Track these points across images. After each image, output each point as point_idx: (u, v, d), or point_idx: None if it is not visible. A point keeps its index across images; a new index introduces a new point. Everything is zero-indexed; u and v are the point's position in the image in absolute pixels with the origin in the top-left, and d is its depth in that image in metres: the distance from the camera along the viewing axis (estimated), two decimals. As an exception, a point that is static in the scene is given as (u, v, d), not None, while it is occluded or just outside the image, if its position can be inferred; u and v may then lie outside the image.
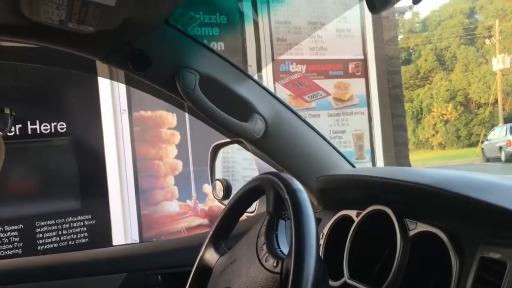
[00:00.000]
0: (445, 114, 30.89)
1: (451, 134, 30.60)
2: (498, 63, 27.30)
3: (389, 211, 0.87)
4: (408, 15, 35.40)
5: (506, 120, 25.14)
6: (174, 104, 1.48)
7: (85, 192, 2.82)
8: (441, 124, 31.03)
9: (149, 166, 3.03)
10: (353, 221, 0.97)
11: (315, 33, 3.59)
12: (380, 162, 3.90)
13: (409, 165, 4.60)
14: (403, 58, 32.71)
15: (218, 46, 3.19)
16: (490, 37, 30.67)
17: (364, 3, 0.57)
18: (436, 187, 0.80)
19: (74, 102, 2.83)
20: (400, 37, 32.46)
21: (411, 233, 0.82)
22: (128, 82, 1.90)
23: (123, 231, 2.89)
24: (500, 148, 17.98)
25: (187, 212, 3.11)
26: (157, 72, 1.02)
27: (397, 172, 0.99)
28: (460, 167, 17.94)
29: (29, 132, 2.66)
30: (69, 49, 0.97)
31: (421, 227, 0.81)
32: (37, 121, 2.68)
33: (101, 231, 2.80)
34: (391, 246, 0.85)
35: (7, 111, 0.55)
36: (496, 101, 28.48)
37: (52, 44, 0.95)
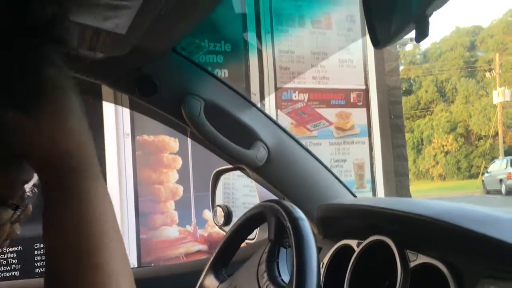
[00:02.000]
0: (446, 145, 30.94)
1: (451, 165, 30.58)
2: (498, 96, 27.49)
3: (390, 241, 0.87)
4: (409, 47, 35.82)
5: (507, 153, 25.16)
6: (176, 129, 1.50)
7: (85, 215, 2.80)
8: (442, 155, 31.04)
9: (150, 190, 3.02)
10: (354, 251, 0.97)
11: (317, 63, 3.63)
12: (380, 191, 3.89)
13: (410, 196, 4.59)
14: (404, 88, 32.97)
15: (222, 73, 3.23)
16: (490, 70, 30.98)
17: (367, 36, 0.59)
18: (437, 219, 0.80)
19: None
20: (401, 68, 32.77)
21: (412, 264, 0.82)
22: (132, 107, 1.92)
23: (122, 255, 2.86)
24: (501, 180, 17.93)
25: (186, 238, 3.09)
26: (163, 98, 1.04)
27: (398, 203, 0.99)
28: (461, 199, 17.86)
29: (32, 154, 2.66)
30: (78, 74, 0.99)
31: (422, 258, 0.81)
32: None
33: (99, 254, 2.77)
34: (392, 277, 0.85)
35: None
36: (496, 134, 28.56)
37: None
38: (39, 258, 2.67)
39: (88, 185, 0.46)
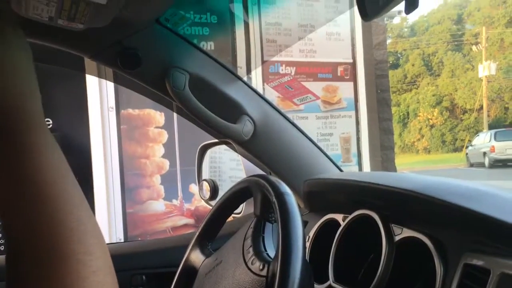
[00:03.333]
0: (431, 119, 31.25)
1: (436, 139, 30.95)
2: (484, 69, 27.67)
3: (375, 216, 0.88)
4: (397, 20, 35.73)
5: (491, 126, 25.51)
6: (162, 103, 1.48)
7: (70, 190, 2.79)
8: (427, 128, 31.38)
9: (135, 165, 3.01)
10: (339, 225, 0.98)
11: (305, 36, 3.60)
12: (366, 165, 3.93)
13: (395, 169, 4.64)
14: (391, 62, 33.01)
15: (208, 46, 3.19)
16: (477, 43, 31.07)
17: (355, 8, 0.57)
18: (422, 193, 0.81)
19: (61, 99, 2.80)
20: (388, 41, 32.72)
21: (397, 238, 0.83)
22: (116, 80, 1.88)
23: (108, 229, 2.87)
24: (484, 154, 18.22)
25: (173, 212, 3.10)
26: (147, 71, 1.01)
27: (384, 178, 0.99)
28: (445, 171, 18.15)
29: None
30: (58, 46, 0.96)
31: (407, 232, 0.81)
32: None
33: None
34: (377, 250, 0.86)
35: None
36: (481, 107, 28.87)
37: (41, 40, 0.94)
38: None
39: (29, 141, 0.41)
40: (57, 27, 0.84)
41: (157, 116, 3.05)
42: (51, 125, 2.74)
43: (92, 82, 2.83)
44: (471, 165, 19.93)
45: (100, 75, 2.05)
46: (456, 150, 28.76)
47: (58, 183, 0.41)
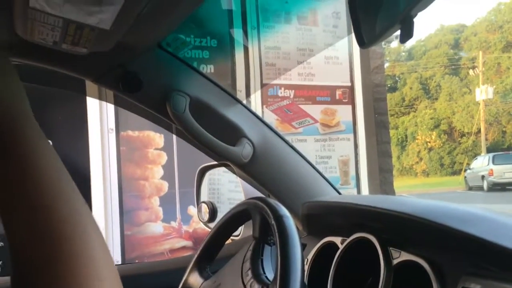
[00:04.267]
0: (429, 142, 31.32)
1: (434, 162, 30.97)
2: (481, 93, 27.89)
3: (373, 239, 0.88)
4: (394, 44, 36.11)
5: (489, 150, 25.58)
6: (162, 125, 1.49)
7: (68, 211, 2.78)
8: (425, 151, 31.43)
9: (134, 186, 3.00)
10: (338, 248, 0.98)
11: (303, 60, 3.64)
12: (365, 188, 3.92)
13: (394, 192, 4.64)
14: (389, 85, 33.25)
15: (208, 69, 3.22)
16: (474, 68, 31.39)
17: (353, 33, 0.59)
18: (419, 217, 0.81)
19: (62, 120, 2.82)
20: (386, 65, 33.10)
21: (395, 261, 0.83)
22: (117, 102, 1.90)
23: (106, 251, 2.85)
24: (483, 177, 18.22)
25: (171, 234, 3.08)
26: (148, 94, 1.03)
27: (382, 201, 1.00)
28: (443, 195, 18.10)
29: (15, 148, 2.63)
30: (62, 69, 0.98)
31: (405, 256, 0.82)
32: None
33: (83, 251, 2.75)
34: (375, 274, 0.86)
35: None
36: (479, 131, 29.00)
37: (45, 64, 0.95)
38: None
39: (14, 143, 0.41)
40: (60, 51, 0.86)
41: (157, 138, 3.06)
42: (50, 146, 2.74)
43: (92, 103, 2.84)
44: (470, 188, 19.90)
45: (100, 97, 2.07)
46: (454, 173, 28.76)
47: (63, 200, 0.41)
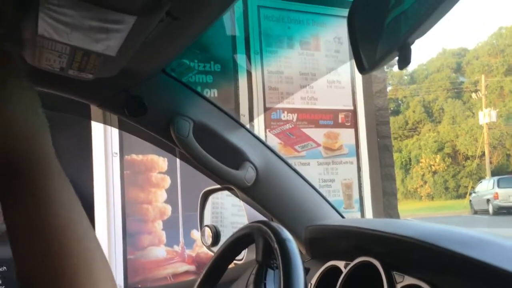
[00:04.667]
0: (433, 165, 31.22)
1: (439, 185, 30.80)
2: (484, 117, 27.91)
3: (377, 263, 0.88)
4: (397, 68, 36.30)
5: (493, 173, 25.43)
6: (165, 149, 1.50)
7: (71, 235, 2.78)
8: (429, 175, 31.29)
9: (137, 210, 3.00)
10: (341, 272, 0.98)
11: (306, 84, 3.67)
12: (368, 211, 3.90)
13: (398, 216, 4.61)
14: (391, 109, 33.36)
15: (212, 93, 3.25)
16: (476, 91, 31.49)
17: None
18: (423, 241, 0.81)
19: (66, 144, 2.84)
20: (389, 88, 33.23)
21: (398, 286, 0.83)
22: (121, 126, 1.92)
23: (108, 276, 2.82)
24: (488, 200, 18.07)
25: (174, 258, 3.06)
26: (152, 119, 1.04)
27: (385, 224, 1.00)
28: (448, 219, 17.95)
29: (19, 172, 2.64)
30: (68, 95, 0.99)
31: (408, 280, 0.81)
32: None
33: (85, 275, 2.73)
34: (379, 298, 0.85)
35: None
36: (483, 154, 28.91)
37: (52, 89, 0.97)
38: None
39: (39, 185, 0.42)
40: (67, 76, 0.88)
41: (160, 161, 3.07)
42: (55, 170, 2.76)
43: (97, 127, 2.87)
44: (475, 212, 19.73)
45: (105, 121, 2.09)
46: (459, 196, 28.56)
47: (68, 226, 0.42)
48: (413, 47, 0.48)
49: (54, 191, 0.42)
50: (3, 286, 2.60)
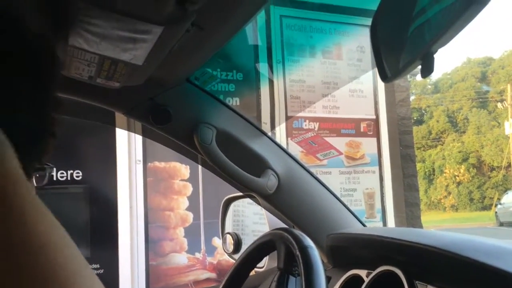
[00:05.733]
0: (458, 176, 30.63)
1: (463, 196, 30.18)
2: (510, 127, 27.31)
3: (399, 272, 0.87)
4: (420, 77, 35.90)
5: (520, 184, 24.82)
6: (188, 156, 1.52)
7: (95, 241, 2.82)
8: (454, 185, 30.70)
9: (160, 217, 3.03)
10: (363, 281, 0.97)
11: (328, 92, 3.67)
12: (391, 222, 3.86)
13: (421, 226, 4.54)
14: (415, 118, 32.94)
15: (234, 101, 3.27)
16: (502, 101, 30.88)
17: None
18: (446, 250, 0.80)
19: (91, 151, 2.89)
20: (412, 97, 32.91)
21: (421, 295, 0.82)
22: (145, 134, 1.95)
23: (131, 281, 2.86)
24: (514, 212, 17.63)
25: (195, 265, 3.08)
26: (176, 126, 1.06)
27: (408, 233, 0.99)
28: (473, 230, 17.56)
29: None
30: (95, 102, 1.02)
31: (431, 289, 0.81)
32: (54, 169, 2.73)
33: (108, 280, 2.77)
34: (401, 308, 0.85)
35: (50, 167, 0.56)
36: (509, 165, 28.27)
37: (79, 97, 1.00)
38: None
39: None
40: (94, 85, 0.90)
41: (183, 169, 3.10)
42: (80, 177, 2.82)
43: (121, 135, 2.91)
44: (501, 224, 19.26)
45: (129, 128, 2.13)
46: (484, 208, 27.93)
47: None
48: (437, 55, 0.49)
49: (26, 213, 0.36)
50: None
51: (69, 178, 2.78)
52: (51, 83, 0.45)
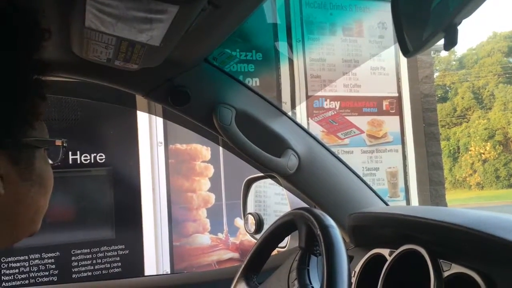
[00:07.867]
0: (483, 153, 30.09)
1: (489, 174, 29.68)
2: (539, 102, 26.60)
3: (423, 251, 0.86)
4: (444, 53, 35.16)
5: (548, 161, 24.25)
6: (208, 138, 1.52)
7: (120, 222, 2.88)
8: (479, 163, 30.19)
9: (182, 198, 3.06)
10: (386, 260, 0.96)
11: (349, 71, 3.62)
12: (414, 200, 3.82)
13: (446, 205, 4.49)
14: (439, 95, 32.33)
15: (253, 82, 3.26)
16: (530, 75, 30.02)
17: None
18: (470, 228, 0.79)
19: (113, 134, 2.93)
20: (436, 74, 32.27)
21: (445, 274, 0.81)
22: (166, 116, 1.96)
23: (155, 262, 2.91)
24: (543, 189, 17.29)
25: (218, 245, 3.12)
26: (195, 107, 1.06)
27: (431, 212, 0.98)
28: (500, 208, 17.29)
29: (70, 162, 2.76)
30: (114, 85, 1.02)
31: (456, 268, 0.79)
32: (78, 152, 2.78)
33: (133, 261, 2.83)
34: (425, 286, 0.84)
35: (58, 142, 0.58)
36: (537, 141, 27.61)
37: (99, 80, 1.00)
38: (75, 264, 2.75)
39: None
40: (113, 67, 0.90)
41: (204, 150, 3.11)
42: (103, 160, 2.86)
43: (142, 117, 2.94)
44: (529, 201, 18.93)
45: (150, 111, 2.14)
46: (511, 186, 27.45)
47: None
48: (461, 30, 0.47)
49: None
50: (57, 270, 2.72)
51: (92, 161, 2.83)
52: (30, 47, 0.47)
